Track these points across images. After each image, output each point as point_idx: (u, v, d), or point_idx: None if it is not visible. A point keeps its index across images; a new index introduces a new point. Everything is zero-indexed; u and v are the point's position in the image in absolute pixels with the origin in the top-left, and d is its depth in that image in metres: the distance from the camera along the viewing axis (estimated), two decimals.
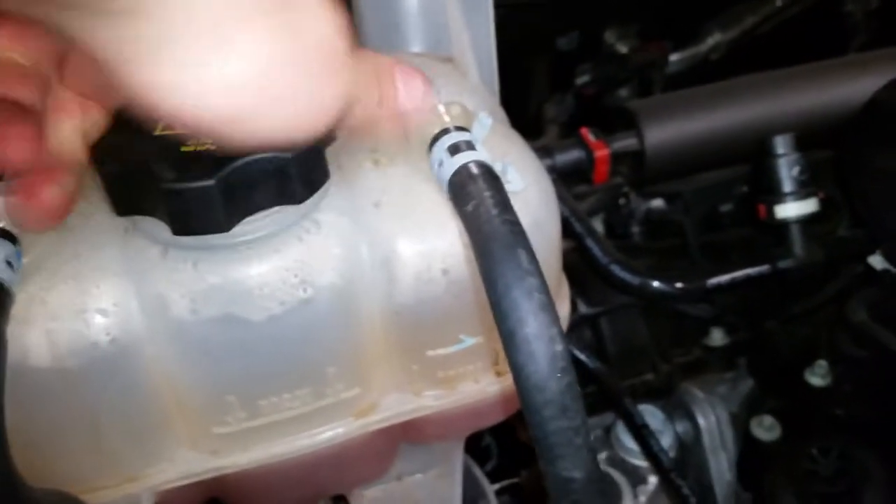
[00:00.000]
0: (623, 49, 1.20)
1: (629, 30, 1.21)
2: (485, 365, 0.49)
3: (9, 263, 0.39)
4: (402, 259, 0.45)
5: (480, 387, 0.49)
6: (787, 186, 0.70)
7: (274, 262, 0.42)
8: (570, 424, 0.33)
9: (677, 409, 0.79)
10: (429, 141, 0.45)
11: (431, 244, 0.45)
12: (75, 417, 0.43)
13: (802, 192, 0.70)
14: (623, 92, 1.14)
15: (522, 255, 0.34)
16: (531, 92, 1.18)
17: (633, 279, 0.72)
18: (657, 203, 0.98)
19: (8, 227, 0.41)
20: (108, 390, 0.43)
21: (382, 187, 0.46)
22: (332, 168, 0.47)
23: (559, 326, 0.33)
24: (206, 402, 0.45)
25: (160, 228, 0.42)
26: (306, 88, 0.34)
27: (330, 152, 0.46)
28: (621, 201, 0.94)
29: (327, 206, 0.44)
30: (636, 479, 0.79)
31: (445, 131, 0.44)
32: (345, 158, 0.48)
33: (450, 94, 0.54)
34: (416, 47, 0.61)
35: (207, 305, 0.42)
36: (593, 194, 0.89)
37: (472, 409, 0.50)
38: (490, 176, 0.40)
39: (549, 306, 0.33)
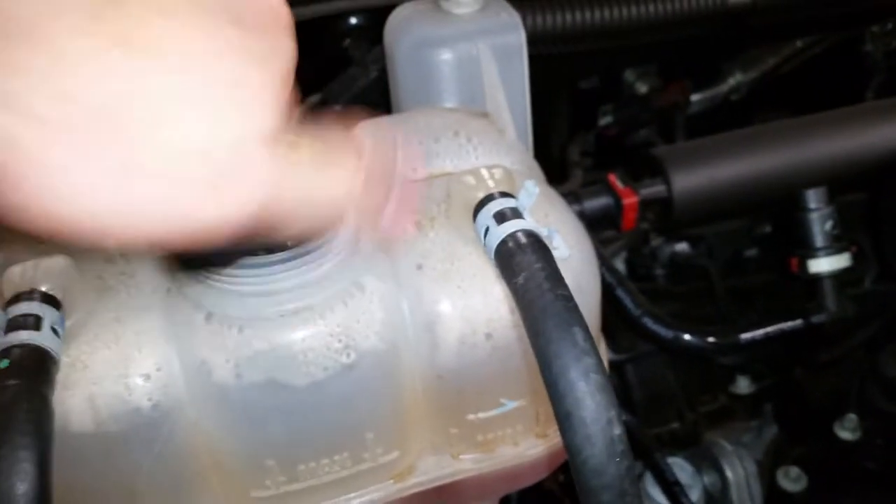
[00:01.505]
0: (643, 88, 1.20)
1: (648, 69, 1.21)
2: (525, 428, 0.48)
3: (54, 330, 0.39)
4: (446, 323, 0.44)
5: (520, 450, 0.49)
6: (820, 241, 0.69)
7: (319, 327, 0.42)
8: None
9: (705, 460, 0.78)
10: (472, 205, 0.45)
11: (475, 308, 0.44)
12: (114, 482, 0.43)
13: (835, 246, 0.69)
14: (644, 132, 1.14)
15: (578, 334, 0.34)
16: (552, 132, 1.18)
17: (667, 333, 0.71)
18: (681, 247, 0.98)
19: (52, 292, 0.41)
20: (147, 455, 0.42)
21: (424, 250, 0.46)
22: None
23: (617, 409, 0.33)
24: (246, 466, 0.44)
25: (204, 292, 0.42)
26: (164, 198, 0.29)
27: None
28: (644, 247, 0.93)
29: (370, 270, 0.44)
30: None
31: (490, 197, 0.43)
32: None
33: (487, 152, 0.54)
34: (450, 102, 0.61)
35: (251, 370, 0.42)
36: (618, 239, 0.89)
37: (510, 472, 0.50)
38: (539, 246, 0.39)
39: (607, 387, 0.33)
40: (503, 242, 0.40)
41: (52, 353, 0.38)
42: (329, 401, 0.43)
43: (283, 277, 0.41)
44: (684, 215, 0.82)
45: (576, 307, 0.35)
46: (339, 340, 0.42)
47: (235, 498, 0.45)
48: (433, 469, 0.48)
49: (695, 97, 1.20)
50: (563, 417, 0.33)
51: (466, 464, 0.48)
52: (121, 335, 0.42)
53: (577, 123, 1.19)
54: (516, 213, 0.42)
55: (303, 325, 0.42)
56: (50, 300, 0.40)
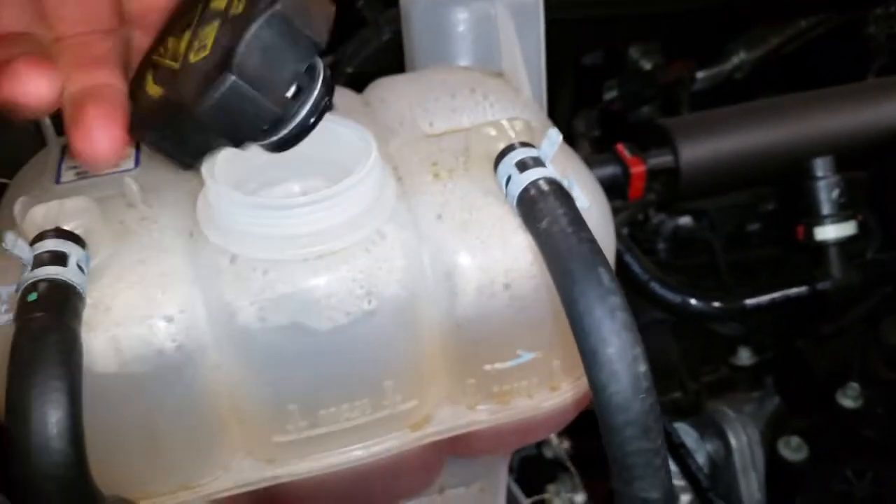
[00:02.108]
0: (647, 65, 1.21)
1: (653, 47, 1.21)
2: (540, 380, 0.49)
3: (80, 267, 0.39)
4: (465, 273, 0.45)
5: (534, 402, 0.49)
6: (827, 209, 0.70)
7: (342, 273, 0.42)
8: (651, 446, 0.33)
9: (708, 428, 0.79)
10: (492, 156, 0.45)
11: (494, 258, 0.45)
12: (135, 423, 0.43)
13: (842, 214, 0.70)
14: (648, 109, 1.15)
15: (603, 274, 0.34)
16: (556, 107, 1.18)
17: (674, 297, 0.72)
18: (685, 220, 0.98)
19: (76, 231, 0.41)
20: (169, 397, 0.43)
21: (444, 200, 0.46)
22: (392, 178, 0.47)
23: (642, 346, 0.33)
24: (268, 410, 0.45)
25: (228, 235, 0.42)
26: None
27: (388, 162, 0.46)
28: (641, 216, 0.94)
29: (391, 218, 0.44)
30: None
31: (512, 147, 0.44)
32: (404, 170, 0.49)
33: (503, 109, 0.55)
34: (465, 61, 0.61)
35: (275, 314, 0.42)
36: (623, 210, 0.89)
37: (523, 425, 0.50)
38: (562, 193, 0.40)
39: (632, 325, 0.34)
40: (525, 190, 0.40)
41: (79, 288, 0.38)
42: (350, 346, 0.44)
43: (308, 221, 0.41)
44: (691, 186, 0.82)
45: (599, 249, 0.36)
46: (362, 286, 0.43)
47: (256, 442, 0.46)
48: (449, 419, 0.49)
49: (699, 75, 1.20)
50: (589, 354, 0.34)
51: (482, 415, 0.49)
52: (144, 276, 0.42)
53: (582, 99, 1.20)
54: (538, 162, 0.42)
55: (326, 270, 0.42)
56: (74, 238, 0.40)
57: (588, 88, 1.20)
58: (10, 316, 0.38)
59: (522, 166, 0.42)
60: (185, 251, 0.43)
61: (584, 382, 0.51)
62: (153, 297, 0.42)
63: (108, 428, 0.43)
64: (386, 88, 0.58)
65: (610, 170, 0.80)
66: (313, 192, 0.48)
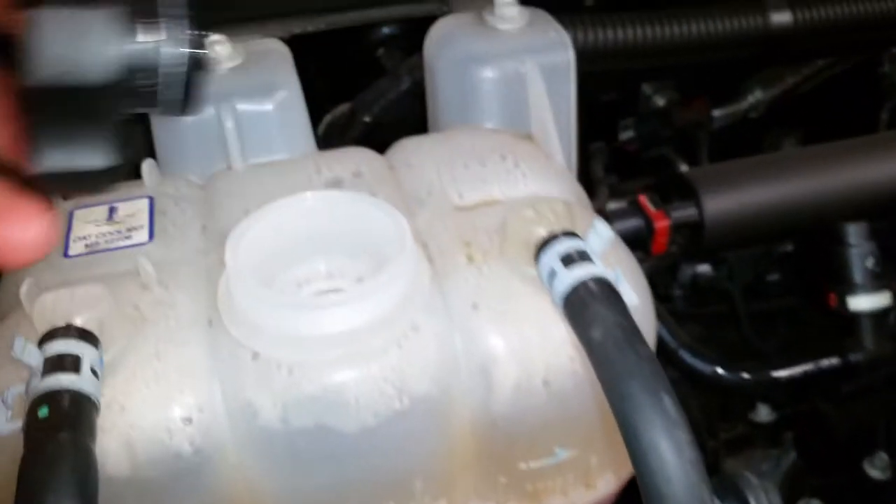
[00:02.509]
0: (660, 102, 1.19)
1: (666, 83, 1.19)
2: (576, 478, 0.46)
3: (94, 372, 0.36)
4: (502, 367, 0.42)
5: (568, 500, 0.46)
6: (860, 278, 0.68)
7: (372, 371, 0.39)
8: None
9: (728, 493, 0.76)
10: (531, 241, 0.43)
11: (532, 353, 0.42)
12: None
13: (876, 284, 0.68)
14: (665, 148, 1.12)
15: (667, 402, 0.32)
16: None
17: (705, 368, 0.69)
18: (703, 268, 0.96)
19: (88, 326, 0.38)
20: (185, 500, 0.40)
21: (479, 287, 0.43)
22: (426, 263, 0.44)
23: (709, 485, 0.31)
24: None
25: (251, 333, 0.39)
26: None
27: (417, 238, 0.43)
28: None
29: (424, 307, 0.42)
30: None
31: (555, 237, 0.41)
32: (434, 248, 0.46)
33: (535, 179, 0.52)
34: (492, 121, 0.58)
35: (300, 414, 0.39)
36: (643, 262, 0.87)
37: None
38: (614, 297, 0.37)
39: (700, 464, 0.31)
40: (573, 290, 0.38)
41: (93, 398, 0.35)
42: (379, 447, 0.41)
43: (338, 322, 0.38)
44: (715, 240, 0.80)
45: (661, 371, 0.33)
46: (392, 385, 0.40)
47: None
48: None
49: (714, 113, 1.18)
50: (652, 494, 0.31)
51: None
52: (161, 373, 0.40)
53: (596, 136, 1.17)
54: (585, 257, 0.39)
55: (355, 369, 0.39)
56: (87, 336, 0.37)
57: (602, 125, 1.18)
58: (17, 425, 0.35)
59: (568, 261, 0.39)
60: (204, 342, 0.41)
61: (620, 478, 0.48)
62: (170, 397, 0.39)
63: None
64: (411, 152, 0.55)
65: (632, 223, 0.78)
66: (338, 274, 0.46)
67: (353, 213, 0.43)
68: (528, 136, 0.58)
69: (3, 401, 0.35)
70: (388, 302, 0.39)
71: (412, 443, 0.42)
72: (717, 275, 0.97)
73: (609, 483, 0.48)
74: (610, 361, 0.34)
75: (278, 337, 0.38)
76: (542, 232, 0.42)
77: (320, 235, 0.44)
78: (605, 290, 0.37)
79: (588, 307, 0.37)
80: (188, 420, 0.39)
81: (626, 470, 0.48)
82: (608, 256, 0.46)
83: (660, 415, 0.31)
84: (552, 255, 0.40)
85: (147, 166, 0.52)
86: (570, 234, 0.42)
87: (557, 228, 0.42)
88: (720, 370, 0.70)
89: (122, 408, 0.38)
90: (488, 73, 0.58)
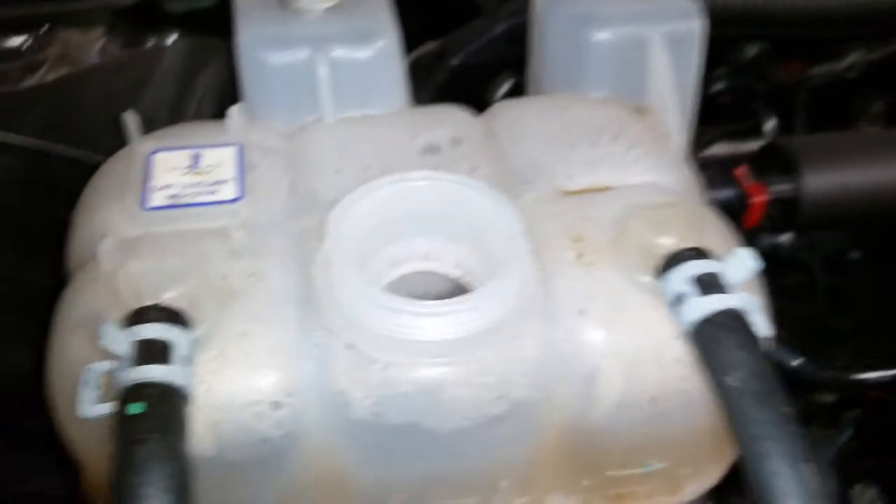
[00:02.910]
0: (752, 51, 1.11)
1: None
2: (661, 487, 0.44)
3: (184, 358, 0.34)
4: (608, 379, 0.39)
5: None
6: None
7: (470, 374, 0.37)
8: None
9: None
10: (650, 249, 0.39)
11: (642, 367, 0.39)
12: None
13: None
14: (758, 104, 1.06)
15: (806, 472, 0.29)
16: None
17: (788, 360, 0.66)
18: (784, 237, 0.92)
19: (178, 303, 0.36)
20: (271, 483, 0.39)
21: (588, 291, 0.40)
22: (529, 256, 0.41)
23: None
24: (372, 500, 0.41)
25: (350, 326, 0.37)
26: None
27: (526, 231, 0.40)
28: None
29: (530, 310, 0.39)
30: None
31: (685, 255, 0.37)
32: (541, 237, 0.43)
33: (647, 168, 0.48)
34: (600, 90, 0.53)
35: (392, 411, 0.37)
36: None
37: None
38: (753, 339, 0.34)
39: None
40: (706, 321, 0.34)
41: (185, 390, 0.33)
42: (469, 448, 0.39)
43: (442, 330, 0.36)
44: (810, 219, 0.75)
45: (801, 431, 0.31)
46: (492, 390, 0.38)
47: None
48: None
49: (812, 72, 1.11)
50: None
51: None
52: (250, 353, 0.38)
53: None
54: (721, 285, 0.36)
55: (455, 371, 0.37)
56: (178, 319, 0.35)
57: None
58: (108, 407, 0.33)
59: (703, 286, 0.36)
60: (296, 323, 0.39)
61: (706, 487, 0.46)
62: (259, 381, 0.37)
63: None
64: (514, 119, 0.51)
65: (726, 193, 0.73)
66: (436, 257, 0.43)
67: (462, 198, 0.40)
68: (642, 109, 0.53)
69: (85, 381, 0.34)
70: (494, 314, 0.36)
71: (503, 446, 0.40)
72: (798, 245, 0.93)
73: (694, 491, 0.46)
74: (746, 417, 0.31)
75: (377, 335, 0.36)
76: (666, 242, 0.39)
77: (423, 215, 0.42)
78: (743, 329, 0.34)
79: (722, 345, 0.34)
80: (277, 405, 0.37)
81: (713, 479, 0.46)
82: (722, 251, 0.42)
83: (797, 487, 0.29)
84: (682, 275, 0.37)
85: (237, 109, 0.49)
86: (701, 253, 0.38)
87: (687, 243, 0.38)
88: (802, 366, 0.67)
89: (209, 388, 0.37)
90: (604, 36, 0.52)
